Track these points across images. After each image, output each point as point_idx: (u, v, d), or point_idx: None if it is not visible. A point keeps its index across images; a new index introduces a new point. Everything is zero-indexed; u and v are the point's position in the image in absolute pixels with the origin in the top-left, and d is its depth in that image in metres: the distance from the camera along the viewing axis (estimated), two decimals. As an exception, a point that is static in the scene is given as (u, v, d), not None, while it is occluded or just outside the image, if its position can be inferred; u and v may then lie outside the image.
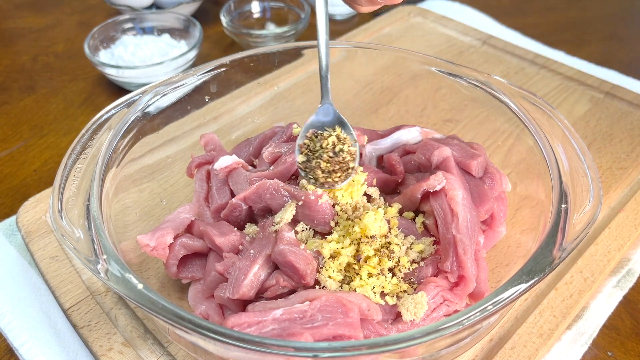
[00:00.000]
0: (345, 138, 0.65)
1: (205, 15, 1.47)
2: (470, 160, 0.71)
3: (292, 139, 0.81)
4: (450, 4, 1.47)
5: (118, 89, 1.20)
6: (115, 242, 0.61)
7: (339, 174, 0.63)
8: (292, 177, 0.73)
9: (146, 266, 0.73)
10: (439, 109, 0.92)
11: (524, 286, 0.52)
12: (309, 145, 0.65)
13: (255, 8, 1.41)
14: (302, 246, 0.63)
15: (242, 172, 0.75)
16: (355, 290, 0.60)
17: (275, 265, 0.63)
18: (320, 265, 0.62)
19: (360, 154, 0.79)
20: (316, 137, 0.65)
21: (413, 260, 0.65)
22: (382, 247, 0.63)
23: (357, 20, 1.47)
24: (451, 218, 0.63)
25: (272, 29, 1.37)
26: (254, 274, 0.61)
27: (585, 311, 0.71)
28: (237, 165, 0.76)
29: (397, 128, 0.81)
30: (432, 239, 0.66)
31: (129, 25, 1.28)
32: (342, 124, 0.66)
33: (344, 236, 0.63)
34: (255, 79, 0.90)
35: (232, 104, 0.92)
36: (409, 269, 0.63)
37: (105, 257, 0.55)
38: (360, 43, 0.87)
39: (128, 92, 0.94)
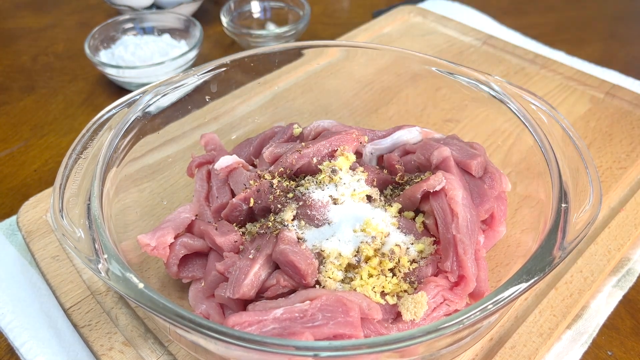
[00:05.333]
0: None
1: (206, 15, 1.47)
2: (470, 160, 0.71)
3: (292, 139, 0.81)
4: (450, 4, 1.48)
5: (118, 89, 1.21)
6: (115, 242, 0.61)
7: None
8: (293, 177, 0.73)
9: (147, 266, 0.73)
10: (439, 109, 0.92)
11: (524, 286, 0.52)
12: None
13: (255, 8, 1.41)
14: (303, 246, 0.63)
15: (242, 172, 0.75)
16: (355, 290, 0.60)
17: (275, 265, 0.63)
18: (321, 265, 0.62)
19: (360, 154, 0.79)
20: None
21: (413, 260, 0.65)
22: (382, 247, 0.63)
23: (357, 20, 1.48)
24: (451, 218, 0.64)
25: (272, 29, 1.37)
26: (255, 273, 0.61)
27: (585, 311, 0.71)
28: (238, 165, 0.76)
29: (397, 128, 0.81)
30: (432, 238, 0.66)
31: (129, 25, 1.28)
32: None
33: (344, 236, 0.64)
34: (255, 79, 0.91)
35: (232, 104, 0.92)
36: (409, 268, 0.63)
37: (106, 256, 0.55)
38: (360, 43, 0.87)
39: (128, 92, 0.94)
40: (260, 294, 0.63)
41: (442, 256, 0.63)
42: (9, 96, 1.19)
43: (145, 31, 1.29)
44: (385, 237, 0.65)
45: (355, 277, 0.61)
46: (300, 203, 0.67)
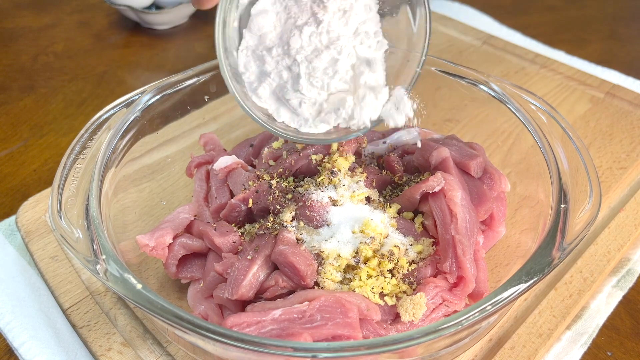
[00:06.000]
0: None
1: (206, 14, 1.47)
2: (469, 160, 0.71)
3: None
4: (450, 4, 1.47)
5: (118, 85, 1.20)
6: (114, 242, 0.61)
7: None
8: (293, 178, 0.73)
9: (145, 266, 0.73)
10: (439, 109, 0.91)
11: (523, 286, 0.52)
12: None
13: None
14: (302, 247, 0.63)
15: (241, 172, 0.75)
16: (354, 291, 0.60)
17: (274, 266, 0.63)
18: (320, 267, 0.62)
19: (360, 154, 0.79)
20: None
21: (412, 260, 0.65)
22: (381, 248, 0.63)
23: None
24: (450, 219, 0.63)
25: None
26: (253, 274, 0.61)
27: (585, 311, 0.71)
28: (237, 166, 0.76)
29: (397, 128, 0.81)
30: (431, 239, 0.66)
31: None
32: None
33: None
34: (255, 79, 0.90)
35: (232, 103, 0.92)
36: (408, 269, 0.63)
37: (104, 257, 0.55)
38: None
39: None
40: (259, 295, 0.62)
41: (441, 257, 0.63)
42: (9, 96, 1.19)
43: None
44: (384, 238, 0.64)
45: (354, 278, 0.61)
46: (300, 204, 0.67)
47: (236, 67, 0.64)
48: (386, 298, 0.61)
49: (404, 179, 0.74)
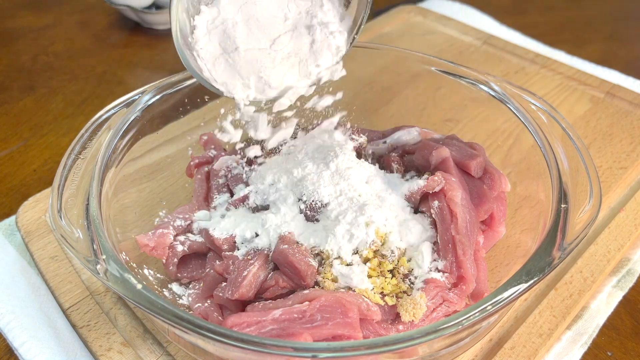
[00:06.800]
0: None
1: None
2: (469, 160, 0.71)
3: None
4: (450, 3, 1.47)
5: (118, 85, 1.20)
6: (114, 242, 0.61)
7: None
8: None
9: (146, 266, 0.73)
10: (439, 109, 0.91)
11: (523, 286, 0.52)
12: None
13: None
14: (303, 247, 0.63)
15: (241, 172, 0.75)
16: (354, 291, 0.60)
17: (274, 266, 0.63)
18: (320, 266, 0.62)
19: (361, 154, 0.79)
20: None
21: (412, 260, 0.64)
22: (381, 248, 0.63)
23: (357, 20, 1.47)
24: (450, 219, 0.63)
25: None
26: (253, 274, 0.61)
27: (585, 311, 0.71)
28: (237, 165, 0.76)
29: (397, 129, 0.81)
30: (432, 239, 0.66)
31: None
32: None
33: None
34: (255, 79, 0.90)
35: (232, 103, 0.92)
36: (408, 269, 0.63)
37: (104, 257, 0.55)
38: (360, 43, 0.87)
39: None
40: (259, 295, 0.62)
41: (441, 257, 0.63)
42: (9, 96, 1.19)
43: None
44: (384, 238, 0.64)
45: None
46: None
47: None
48: (386, 298, 0.61)
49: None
